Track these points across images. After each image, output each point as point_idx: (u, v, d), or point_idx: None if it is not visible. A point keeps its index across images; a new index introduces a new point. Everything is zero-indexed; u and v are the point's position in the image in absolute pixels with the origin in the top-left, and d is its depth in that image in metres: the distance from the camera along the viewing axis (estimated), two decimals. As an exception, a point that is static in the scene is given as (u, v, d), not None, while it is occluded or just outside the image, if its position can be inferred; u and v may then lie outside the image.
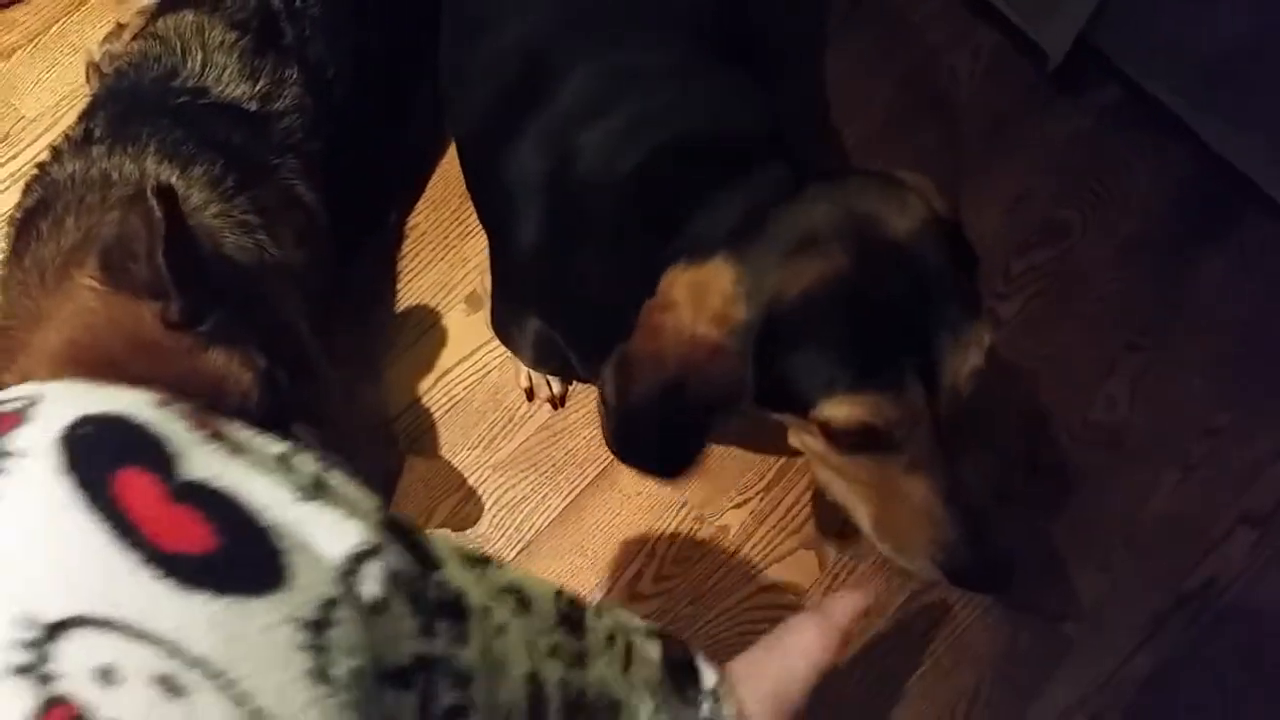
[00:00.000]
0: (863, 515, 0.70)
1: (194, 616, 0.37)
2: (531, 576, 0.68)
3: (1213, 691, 1.24)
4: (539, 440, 1.32)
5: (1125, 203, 1.44)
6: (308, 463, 0.49)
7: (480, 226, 1.39)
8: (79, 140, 1.10)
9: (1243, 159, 1.38)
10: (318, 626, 0.41)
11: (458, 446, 1.31)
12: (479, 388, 1.33)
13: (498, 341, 1.32)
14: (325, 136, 1.18)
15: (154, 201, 0.81)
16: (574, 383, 1.32)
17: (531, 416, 1.33)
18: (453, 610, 0.53)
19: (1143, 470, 1.33)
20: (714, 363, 0.66)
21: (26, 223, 1.04)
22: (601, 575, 1.27)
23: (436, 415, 1.32)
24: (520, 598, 0.63)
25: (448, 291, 1.37)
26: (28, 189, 1.09)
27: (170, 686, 0.35)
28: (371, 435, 1.31)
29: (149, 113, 1.10)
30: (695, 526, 1.29)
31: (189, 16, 1.16)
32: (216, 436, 0.44)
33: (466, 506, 1.28)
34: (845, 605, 0.76)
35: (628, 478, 1.29)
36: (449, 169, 1.42)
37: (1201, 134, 1.38)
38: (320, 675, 0.40)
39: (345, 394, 1.28)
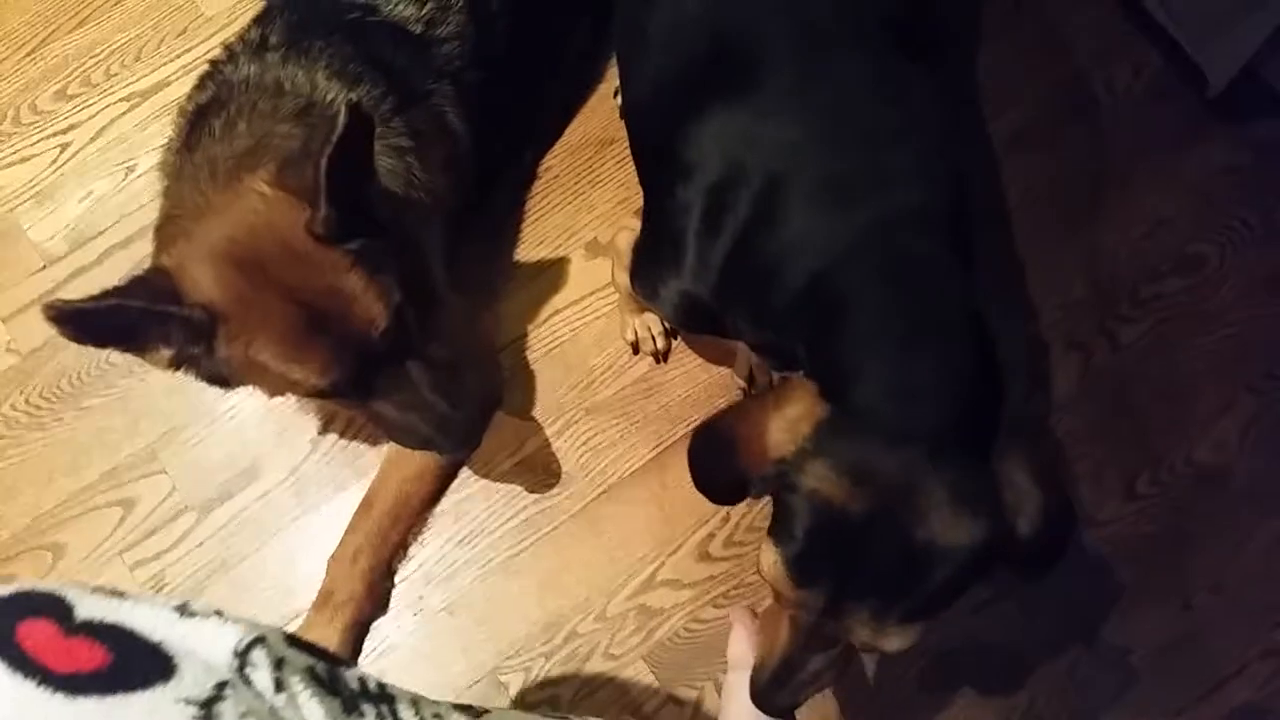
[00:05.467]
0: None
1: (83, 715, 0.46)
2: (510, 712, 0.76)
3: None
4: (635, 391, 1.35)
5: (1266, 243, 1.39)
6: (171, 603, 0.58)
7: (609, 179, 1.43)
8: (255, 44, 1.14)
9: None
10: (209, 702, 0.49)
11: (557, 385, 1.35)
12: (585, 332, 1.37)
13: (611, 290, 1.35)
14: (482, 67, 1.21)
15: (343, 114, 0.84)
16: (677, 339, 1.35)
17: (631, 367, 1.36)
18: (376, 696, 0.61)
19: (1243, 516, 1.29)
20: (757, 462, 0.79)
21: (200, 116, 1.08)
22: (674, 530, 1.29)
23: (541, 352, 1.37)
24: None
25: (570, 235, 1.41)
26: (201, 84, 1.14)
27: None
28: (478, 362, 1.35)
29: (323, 25, 1.14)
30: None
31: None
32: (100, 590, 0.54)
33: (557, 443, 1.33)
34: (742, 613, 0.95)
35: (716, 440, 1.31)
36: (588, 118, 1.46)
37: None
38: None
39: (465, 317, 1.32)
